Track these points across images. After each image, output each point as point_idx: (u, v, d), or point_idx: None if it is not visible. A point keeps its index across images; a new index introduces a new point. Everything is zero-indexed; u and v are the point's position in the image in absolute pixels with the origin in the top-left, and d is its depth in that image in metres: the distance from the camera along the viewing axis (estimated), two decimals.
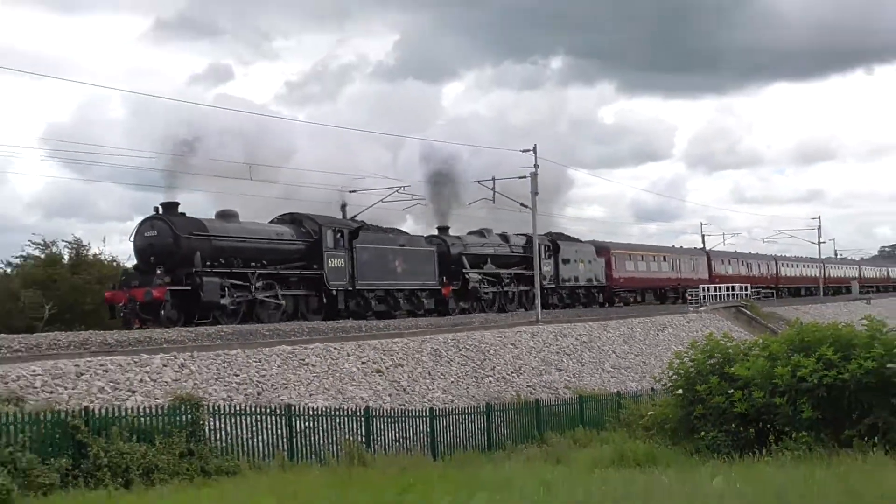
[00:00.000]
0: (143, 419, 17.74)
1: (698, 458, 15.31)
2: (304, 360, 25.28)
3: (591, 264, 53.55)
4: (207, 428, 18.54)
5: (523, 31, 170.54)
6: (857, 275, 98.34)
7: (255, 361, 24.03)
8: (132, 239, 30.77)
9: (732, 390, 15.58)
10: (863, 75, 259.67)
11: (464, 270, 43.13)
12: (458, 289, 42.35)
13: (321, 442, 20.51)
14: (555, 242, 51.11)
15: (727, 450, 15.39)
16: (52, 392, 19.09)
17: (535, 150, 44.01)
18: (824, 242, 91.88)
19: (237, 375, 23.02)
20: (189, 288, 29.04)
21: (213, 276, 29.70)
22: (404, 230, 41.94)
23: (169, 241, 29.59)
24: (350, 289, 35.69)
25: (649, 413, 19.13)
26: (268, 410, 20.33)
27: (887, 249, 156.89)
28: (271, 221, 36.23)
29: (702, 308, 55.35)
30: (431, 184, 49.88)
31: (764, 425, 15.60)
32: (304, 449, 20.05)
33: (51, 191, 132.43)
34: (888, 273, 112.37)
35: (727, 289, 66.38)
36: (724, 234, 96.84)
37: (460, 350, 31.41)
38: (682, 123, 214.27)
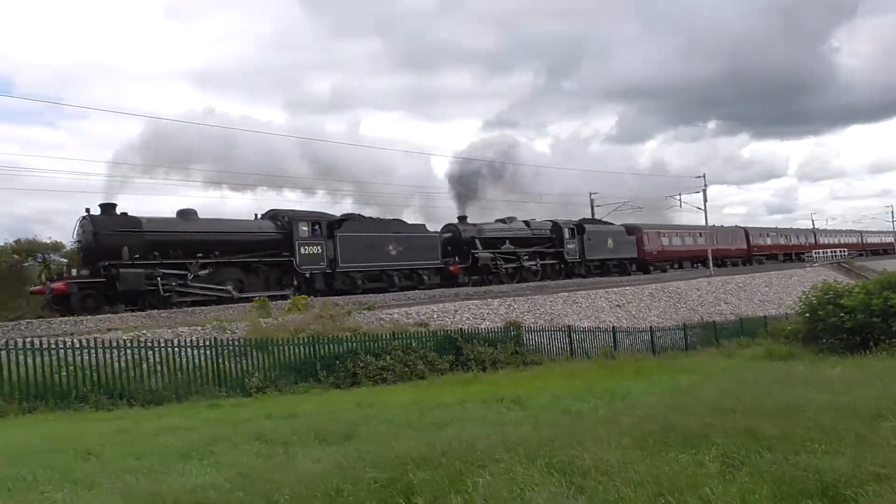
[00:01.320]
0: (490, 334, 18.16)
1: (821, 356, 14.38)
2: (575, 300, 25.30)
3: (619, 242, 39.91)
4: (525, 338, 18.75)
5: (691, 109, 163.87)
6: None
7: (549, 302, 24.32)
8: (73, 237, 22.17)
9: (843, 314, 14.48)
10: None
11: (473, 251, 31.41)
12: (468, 266, 31.03)
13: (588, 346, 20.24)
14: (580, 226, 38.02)
15: (840, 351, 14.29)
16: (442, 320, 19.98)
17: (704, 176, 43.26)
18: None
19: (539, 310, 23.38)
20: (104, 280, 19.98)
21: (136, 268, 20.45)
22: (404, 220, 30.92)
23: (90, 238, 20.63)
24: (329, 271, 25.47)
25: (788, 328, 17.95)
26: (557, 328, 20.38)
27: None
28: (261, 217, 25.79)
29: (815, 264, 49.92)
30: (455, 190, 38.33)
31: (864, 335, 14.36)
32: (578, 350, 19.88)
33: None
34: None
35: (831, 252, 57.87)
36: (826, 220, 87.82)
37: (665, 293, 30.34)
38: (792, 154, 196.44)
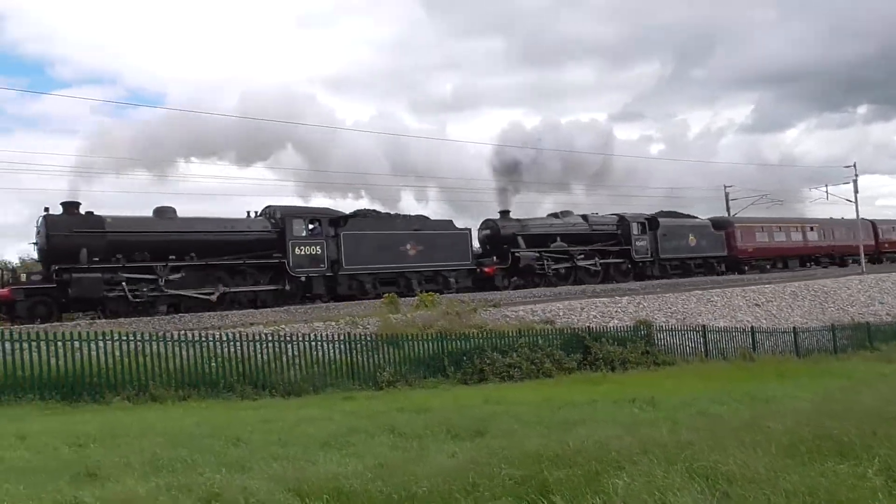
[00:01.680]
0: (619, 333, 17.81)
1: None
2: (710, 299, 24.16)
3: (703, 238, 34.45)
4: (656, 338, 18.26)
5: (837, 93, 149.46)
6: None
7: (680, 300, 23.39)
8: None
9: None
10: None
11: (512, 250, 27.21)
12: (508, 267, 27.02)
13: (724, 347, 19.39)
14: (654, 220, 32.73)
15: None
16: (568, 318, 19.76)
17: (854, 165, 40.41)
18: None
19: (670, 308, 22.54)
20: (54, 285, 18.16)
21: (93, 272, 18.40)
22: (426, 215, 26.70)
23: (44, 239, 18.90)
24: (330, 274, 22.55)
25: None
26: (690, 328, 19.63)
27: None
28: (259, 215, 23.00)
29: None
30: (499, 178, 32.80)
31: None
32: (714, 351, 19.09)
33: None
34: None
35: None
36: None
37: (810, 291, 28.30)
38: None
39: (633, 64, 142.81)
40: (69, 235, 18.82)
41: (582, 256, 29.55)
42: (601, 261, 30.09)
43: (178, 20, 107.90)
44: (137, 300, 19.07)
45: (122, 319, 16.98)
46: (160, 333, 13.08)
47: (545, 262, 28.08)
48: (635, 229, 31.67)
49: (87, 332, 12.34)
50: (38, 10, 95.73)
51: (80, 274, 18.31)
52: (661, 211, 35.17)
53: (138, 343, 12.17)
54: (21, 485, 4.46)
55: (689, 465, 4.52)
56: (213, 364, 12.45)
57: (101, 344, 11.83)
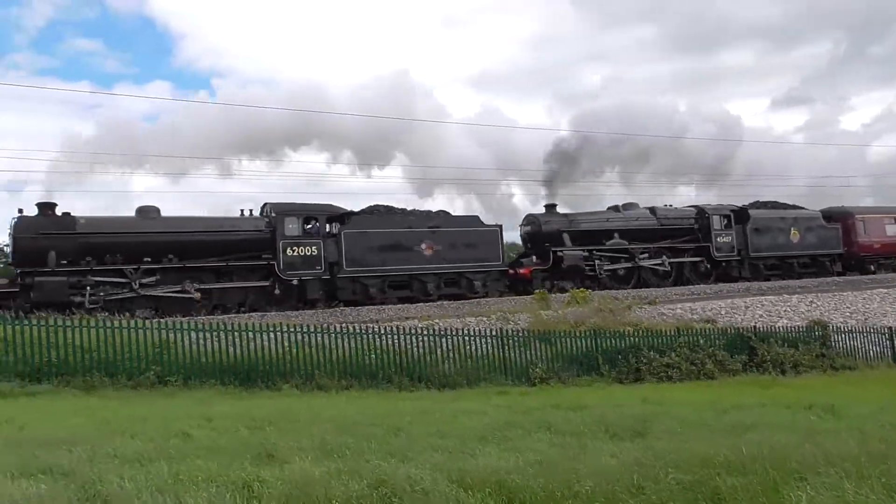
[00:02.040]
0: (789, 333, 16.73)
1: None
2: None
3: (810, 233, 29.49)
4: (832, 340, 16.88)
5: None
6: None
7: (861, 299, 21.47)
8: None
9: None
10: None
11: (554, 248, 24.40)
12: (549, 268, 24.13)
13: None
14: (742, 212, 28.40)
15: None
16: (731, 317, 18.88)
17: None
18: None
19: (848, 308, 20.76)
20: (17, 289, 17.72)
21: (58, 276, 17.75)
22: (447, 211, 24.43)
23: (12, 241, 18.47)
24: (327, 277, 20.79)
25: None
26: (874, 330, 17.87)
27: None
28: (260, 213, 21.89)
29: None
30: (549, 169, 29.61)
31: None
32: None
33: None
34: None
35: None
36: None
37: None
38: None
39: (799, 44, 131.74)
40: (35, 238, 18.31)
41: (646, 255, 26.32)
42: (671, 260, 26.60)
43: (330, 27, 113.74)
44: (97, 304, 17.92)
45: (288, 313, 18.08)
46: (324, 326, 13.84)
47: (597, 261, 25.10)
48: (717, 223, 27.74)
49: (260, 324, 13.33)
50: (211, 28, 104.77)
51: (42, 277, 17.79)
52: (756, 201, 30.88)
53: (305, 335, 12.95)
54: (211, 461, 4.87)
55: (886, 482, 4.11)
56: (373, 356, 13.01)
57: (272, 335, 12.72)
